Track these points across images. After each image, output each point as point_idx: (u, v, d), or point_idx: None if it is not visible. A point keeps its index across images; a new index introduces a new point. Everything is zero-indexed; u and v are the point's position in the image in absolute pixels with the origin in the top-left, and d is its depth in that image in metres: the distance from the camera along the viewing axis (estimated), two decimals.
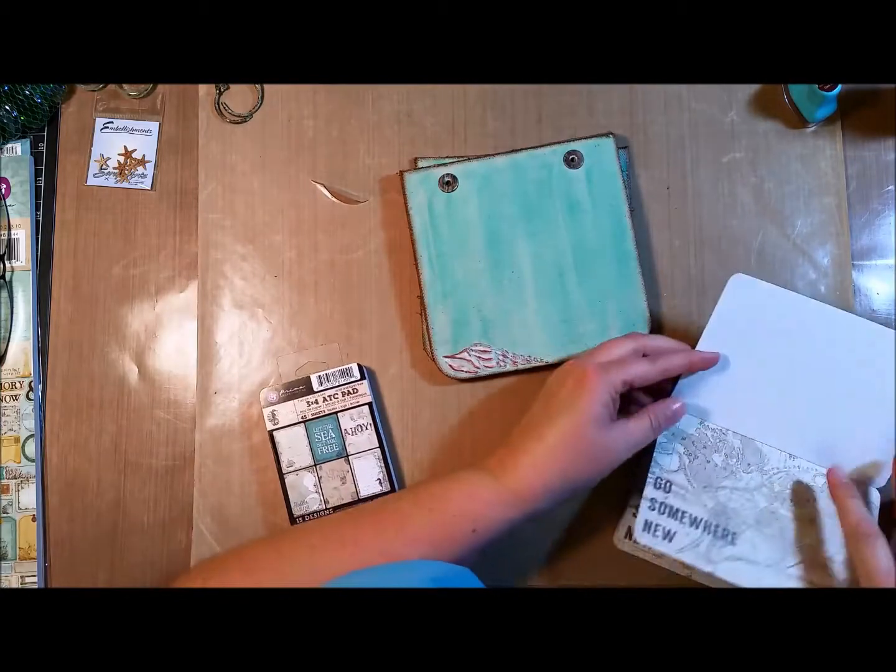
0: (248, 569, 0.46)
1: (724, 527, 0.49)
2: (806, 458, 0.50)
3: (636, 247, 0.56)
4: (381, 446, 0.55)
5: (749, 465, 0.50)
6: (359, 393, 0.55)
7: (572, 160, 0.57)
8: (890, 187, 0.58)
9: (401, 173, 0.57)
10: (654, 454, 0.50)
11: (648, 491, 0.50)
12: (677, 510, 0.49)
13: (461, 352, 0.55)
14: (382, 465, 0.55)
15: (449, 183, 0.57)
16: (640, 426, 0.47)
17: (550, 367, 0.55)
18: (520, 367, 0.55)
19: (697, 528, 0.49)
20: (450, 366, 0.55)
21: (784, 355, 0.51)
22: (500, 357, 0.55)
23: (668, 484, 0.50)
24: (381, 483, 0.54)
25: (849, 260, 0.57)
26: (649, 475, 0.50)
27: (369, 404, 0.55)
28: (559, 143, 0.57)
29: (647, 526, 0.49)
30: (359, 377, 0.55)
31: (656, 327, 0.57)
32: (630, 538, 0.50)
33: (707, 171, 0.58)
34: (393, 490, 0.54)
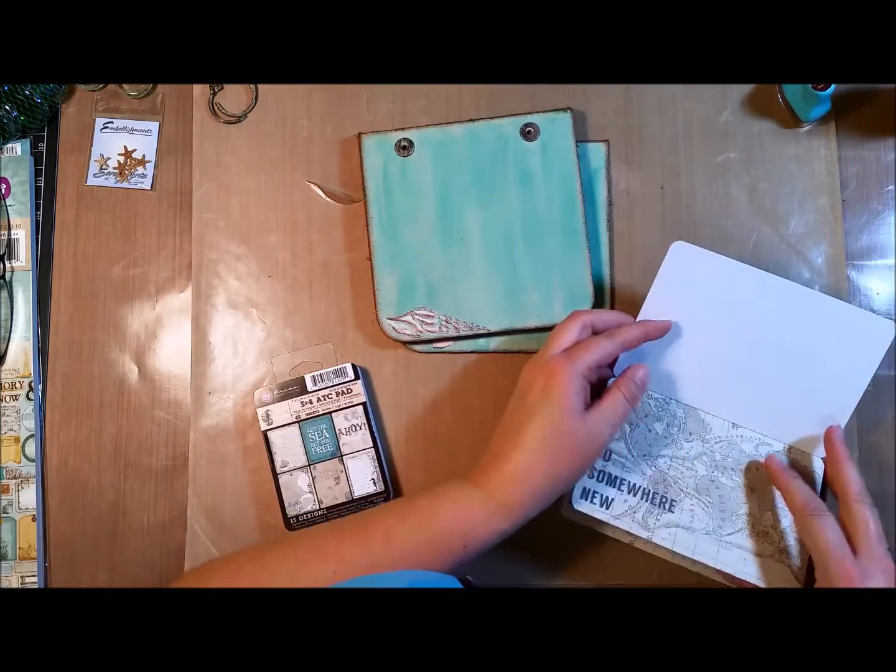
0: (231, 580, 0.46)
1: (662, 494, 0.49)
2: (749, 427, 0.50)
3: (585, 221, 0.56)
4: (375, 446, 0.55)
5: (691, 433, 0.50)
6: (353, 393, 0.56)
7: (528, 132, 0.57)
8: (890, 187, 0.58)
9: (358, 135, 0.57)
10: None
11: None
12: (616, 478, 0.50)
13: (405, 315, 0.56)
14: (376, 464, 0.55)
15: (405, 148, 0.57)
16: (615, 403, 0.46)
17: (492, 334, 0.56)
18: (462, 333, 0.56)
19: (635, 495, 0.49)
20: (393, 328, 0.56)
21: (727, 324, 0.50)
22: (443, 322, 0.56)
23: (608, 452, 0.50)
24: (374, 483, 0.55)
25: (843, 260, 0.57)
26: None
27: (363, 404, 0.56)
28: (517, 114, 0.57)
29: (585, 493, 0.50)
30: (353, 377, 0.56)
31: (602, 300, 0.57)
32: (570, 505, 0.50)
33: (701, 170, 0.58)
34: (387, 490, 0.55)
